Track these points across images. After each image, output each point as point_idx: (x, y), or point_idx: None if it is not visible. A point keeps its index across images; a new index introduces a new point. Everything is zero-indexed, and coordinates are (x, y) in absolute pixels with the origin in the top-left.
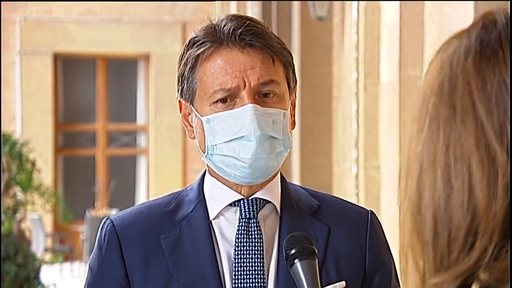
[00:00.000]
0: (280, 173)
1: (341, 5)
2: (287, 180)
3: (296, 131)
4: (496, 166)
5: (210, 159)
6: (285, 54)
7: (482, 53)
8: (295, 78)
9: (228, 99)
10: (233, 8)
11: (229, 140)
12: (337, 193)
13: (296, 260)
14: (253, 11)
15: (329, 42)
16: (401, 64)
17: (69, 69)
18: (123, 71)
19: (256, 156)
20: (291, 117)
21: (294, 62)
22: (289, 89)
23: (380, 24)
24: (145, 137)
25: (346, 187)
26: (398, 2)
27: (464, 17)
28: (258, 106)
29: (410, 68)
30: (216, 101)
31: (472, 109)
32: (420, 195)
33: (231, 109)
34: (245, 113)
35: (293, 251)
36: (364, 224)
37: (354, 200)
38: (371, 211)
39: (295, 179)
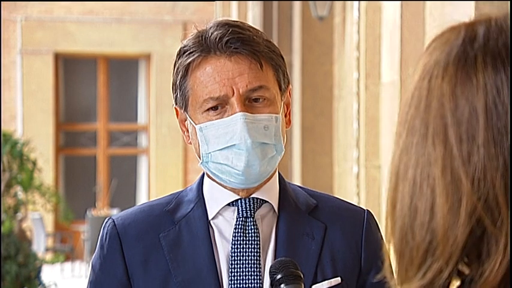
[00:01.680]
0: (279, 172)
1: (342, 4)
2: (285, 179)
3: (297, 130)
4: (460, 194)
5: (205, 166)
6: (274, 57)
7: (457, 75)
8: (287, 79)
9: (219, 106)
10: (234, 8)
11: (222, 149)
12: (338, 193)
13: (282, 285)
14: (254, 11)
15: (330, 42)
16: (402, 64)
17: (70, 68)
18: (124, 70)
19: (248, 163)
20: (286, 116)
21: (295, 62)
22: (280, 91)
23: (381, 24)
24: (146, 137)
25: (347, 187)
26: (399, 1)
27: (465, 16)
28: (248, 113)
29: (411, 68)
30: (208, 109)
31: (443, 132)
32: (394, 205)
33: (222, 116)
34: (235, 121)
35: (279, 276)
36: (360, 223)
37: (355, 200)
38: (367, 210)
39: (296, 179)
